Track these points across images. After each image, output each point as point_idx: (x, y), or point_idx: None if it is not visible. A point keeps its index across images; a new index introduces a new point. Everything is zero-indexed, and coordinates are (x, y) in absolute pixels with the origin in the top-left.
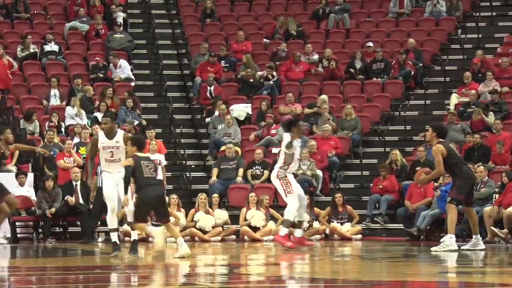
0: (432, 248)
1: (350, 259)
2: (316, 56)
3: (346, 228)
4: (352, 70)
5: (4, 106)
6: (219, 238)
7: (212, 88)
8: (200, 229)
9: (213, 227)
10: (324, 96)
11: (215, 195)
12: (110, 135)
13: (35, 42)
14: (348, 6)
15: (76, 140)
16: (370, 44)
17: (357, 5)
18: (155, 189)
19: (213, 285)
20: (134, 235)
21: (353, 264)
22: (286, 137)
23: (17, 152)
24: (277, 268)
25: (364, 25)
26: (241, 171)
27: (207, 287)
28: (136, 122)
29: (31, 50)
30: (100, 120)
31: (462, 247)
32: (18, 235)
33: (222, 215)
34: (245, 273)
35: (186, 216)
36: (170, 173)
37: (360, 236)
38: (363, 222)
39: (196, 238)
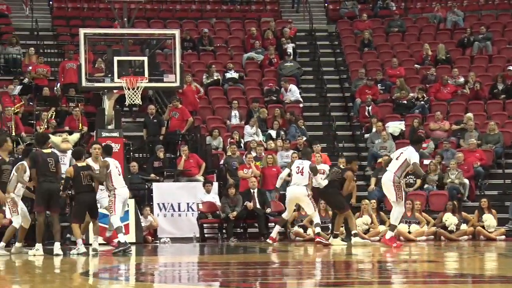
0: None
1: (495, 257)
2: (462, 79)
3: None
4: (495, 91)
5: (193, 125)
6: (377, 238)
7: (370, 108)
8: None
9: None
10: (469, 114)
11: (373, 201)
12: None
13: (218, 70)
14: (490, 35)
15: (253, 154)
16: (511, 68)
17: (498, 34)
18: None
19: (371, 280)
20: None
21: (498, 262)
22: (412, 150)
23: (203, 164)
24: (430, 265)
25: (505, 51)
26: None
27: (365, 280)
28: (304, 138)
29: (215, 78)
30: (273, 137)
31: None
32: (205, 235)
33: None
34: (404, 269)
35: None
36: None
37: (503, 237)
38: (506, 225)
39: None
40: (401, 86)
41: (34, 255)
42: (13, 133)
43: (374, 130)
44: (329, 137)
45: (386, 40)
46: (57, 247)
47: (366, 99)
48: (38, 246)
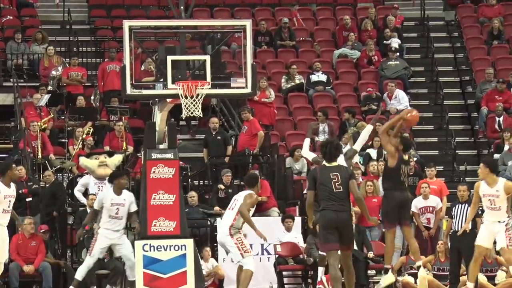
0: None
1: None
2: None
3: None
4: None
5: (268, 143)
6: None
7: (501, 119)
8: None
9: None
10: None
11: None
12: None
13: (301, 72)
14: None
15: None
16: None
17: None
18: None
19: None
20: None
21: None
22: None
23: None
24: None
25: None
26: None
27: None
28: (414, 159)
29: (297, 81)
30: (373, 158)
31: None
32: (286, 286)
33: None
34: None
35: None
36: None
37: None
38: None
39: None
40: None
41: None
42: (39, 155)
43: (506, 148)
44: (446, 158)
45: None
46: None
47: (495, 108)
48: None
